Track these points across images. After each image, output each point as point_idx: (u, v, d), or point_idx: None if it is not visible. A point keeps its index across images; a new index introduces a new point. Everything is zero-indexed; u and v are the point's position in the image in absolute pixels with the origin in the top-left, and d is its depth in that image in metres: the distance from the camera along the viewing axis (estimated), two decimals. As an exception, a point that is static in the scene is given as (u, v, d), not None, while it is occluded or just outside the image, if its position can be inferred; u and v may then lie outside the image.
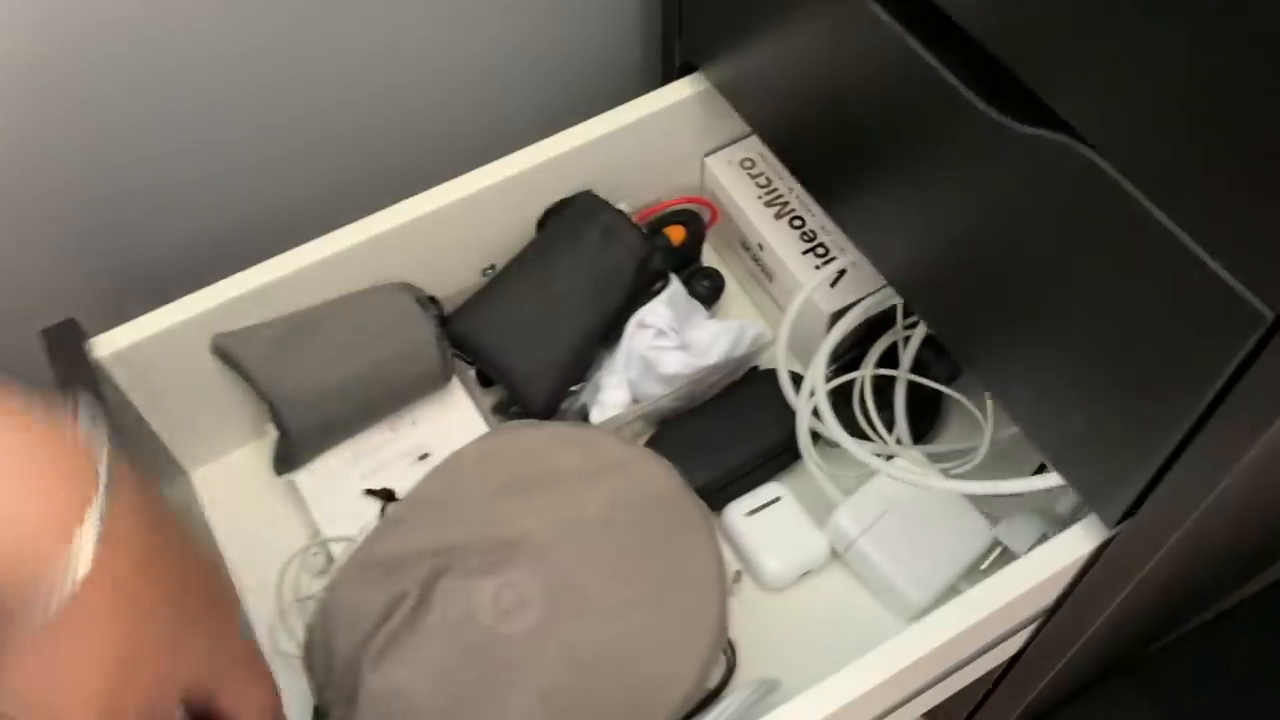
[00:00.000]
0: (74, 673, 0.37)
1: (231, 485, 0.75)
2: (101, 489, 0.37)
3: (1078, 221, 0.46)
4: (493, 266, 0.76)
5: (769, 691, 0.63)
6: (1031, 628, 0.66)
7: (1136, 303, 0.45)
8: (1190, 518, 0.49)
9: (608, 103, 0.74)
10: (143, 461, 0.70)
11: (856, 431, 0.72)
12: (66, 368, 0.63)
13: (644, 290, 0.73)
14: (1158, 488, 0.49)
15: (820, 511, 0.71)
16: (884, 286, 0.72)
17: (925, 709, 0.68)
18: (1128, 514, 0.53)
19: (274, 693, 0.47)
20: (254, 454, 0.76)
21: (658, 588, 0.62)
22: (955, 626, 0.56)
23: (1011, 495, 0.72)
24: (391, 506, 0.68)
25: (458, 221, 0.72)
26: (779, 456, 0.74)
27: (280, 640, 0.69)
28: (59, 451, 0.37)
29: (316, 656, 0.61)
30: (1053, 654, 0.67)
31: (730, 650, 0.67)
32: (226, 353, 0.68)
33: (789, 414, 0.73)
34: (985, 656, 0.65)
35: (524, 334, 0.71)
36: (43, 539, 0.36)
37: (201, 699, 0.42)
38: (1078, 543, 0.57)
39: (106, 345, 0.65)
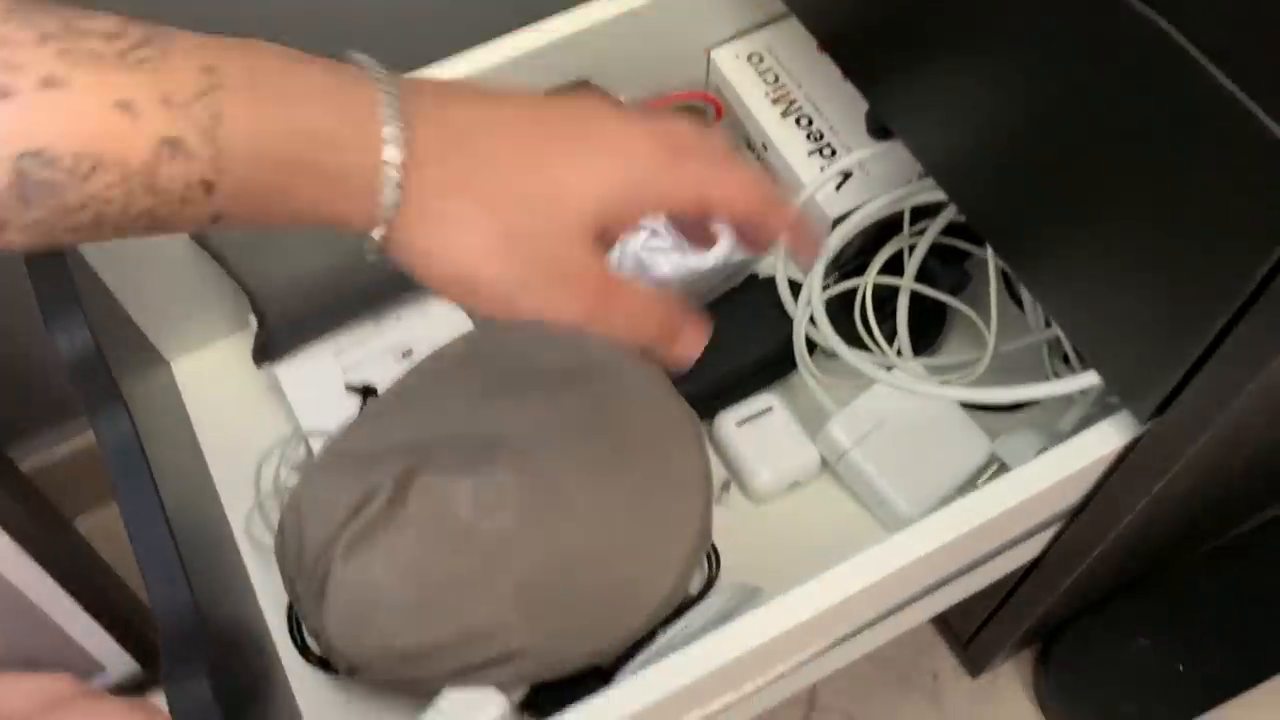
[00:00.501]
0: (453, 228, 0.38)
1: (212, 376, 0.74)
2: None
3: (1137, 92, 0.44)
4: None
5: (749, 597, 0.62)
6: (1051, 531, 0.64)
7: (1189, 182, 0.43)
8: (1221, 416, 0.48)
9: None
10: (120, 349, 0.68)
11: (856, 342, 0.69)
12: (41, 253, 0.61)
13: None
14: (1191, 383, 0.49)
15: (814, 424, 0.69)
16: (893, 192, 0.69)
17: (931, 613, 0.67)
18: (1158, 411, 0.52)
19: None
20: (236, 345, 0.74)
21: (639, 492, 0.60)
22: (943, 535, 0.54)
23: (1016, 404, 0.71)
24: (370, 401, 0.66)
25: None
26: (774, 366, 0.71)
27: (258, 532, 0.67)
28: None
29: (288, 548, 0.60)
30: (1071, 561, 0.66)
31: (714, 557, 0.65)
32: (204, 239, 0.66)
33: (786, 322, 0.70)
34: (998, 560, 0.63)
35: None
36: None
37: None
38: (1106, 439, 0.55)
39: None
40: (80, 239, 0.35)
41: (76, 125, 0.32)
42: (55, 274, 0.60)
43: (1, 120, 0.31)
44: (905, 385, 0.61)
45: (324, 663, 0.63)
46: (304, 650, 0.63)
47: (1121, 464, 0.57)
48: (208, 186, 0.34)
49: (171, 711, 0.48)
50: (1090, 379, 0.55)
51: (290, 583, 0.60)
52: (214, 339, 0.75)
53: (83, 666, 0.86)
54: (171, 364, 0.74)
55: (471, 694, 0.57)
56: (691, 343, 0.44)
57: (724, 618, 0.60)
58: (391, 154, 0.36)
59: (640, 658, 0.59)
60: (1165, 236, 0.46)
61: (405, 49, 0.72)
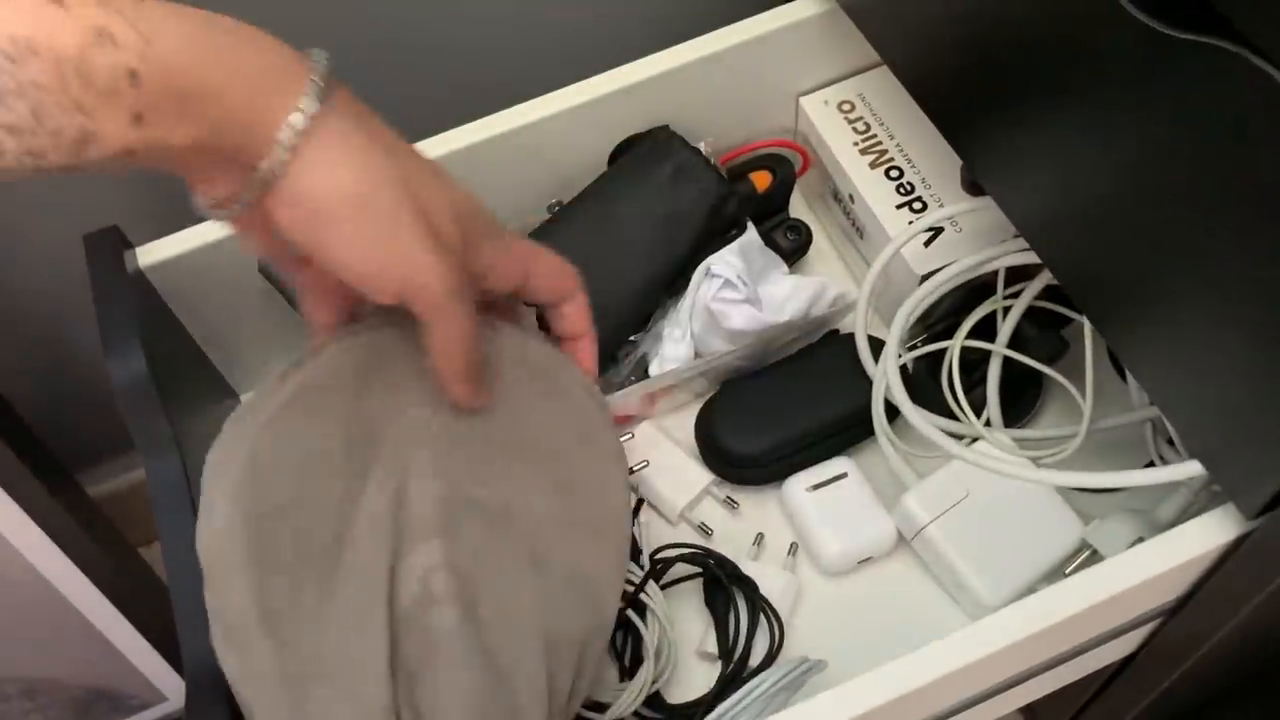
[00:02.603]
0: (364, 156, 0.41)
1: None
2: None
3: (1254, 157, 0.39)
4: (559, 202, 0.70)
5: (811, 671, 0.57)
6: (1147, 629, 0.59)
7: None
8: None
9: (696, 27, 0.68)
10: (190, 382, 0.68)
11: (943, 409, 0.65)
12: (105, 275, 0.61)
13: (716, 237, 0.67)
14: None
15: (891, 494, 0.65)
16: (985, 251, 0.64)
17: (1012, 707, 0.61)
18: (1268, 506, 0.47)
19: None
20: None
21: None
22: (1028, 625, 0.50)
23: (1113, 490, 0.65)
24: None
25: (521, 150, 0.67)
26: (850, 429, 0.67)
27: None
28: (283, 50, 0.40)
29: None
30: (1169, 662, 0.61)
31: (777, 624, 0.62)
32: (271, 271, 0.65)
33: (866, 384, 0.66)
34: (1086, 657, 0.58)
35: (582, 274, 0.65)
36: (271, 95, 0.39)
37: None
38: (1210, 533, 0.50)
39: (149, 255, 0.63)
40: (18, 148, 0.35)
41: (10, 14, 0.34)
42: (120, 300, 0.60)
43: None
44: (987, 464, 0.56)
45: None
46: None
47: (1226, 562, 0.52)
48: (133, 76, 0.36)
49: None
50: (1194, 468, 0.50)
51: None
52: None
53: (146, 696, 0.86)
54: (241, 398, 0.74)
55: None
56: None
57: (786, 691, 0.56)
58: (317, 76, 0.39)
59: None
60: (1280, 317, 0.41)
61: (483, 85, 0.71)
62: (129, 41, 0.35)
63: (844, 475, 0.65)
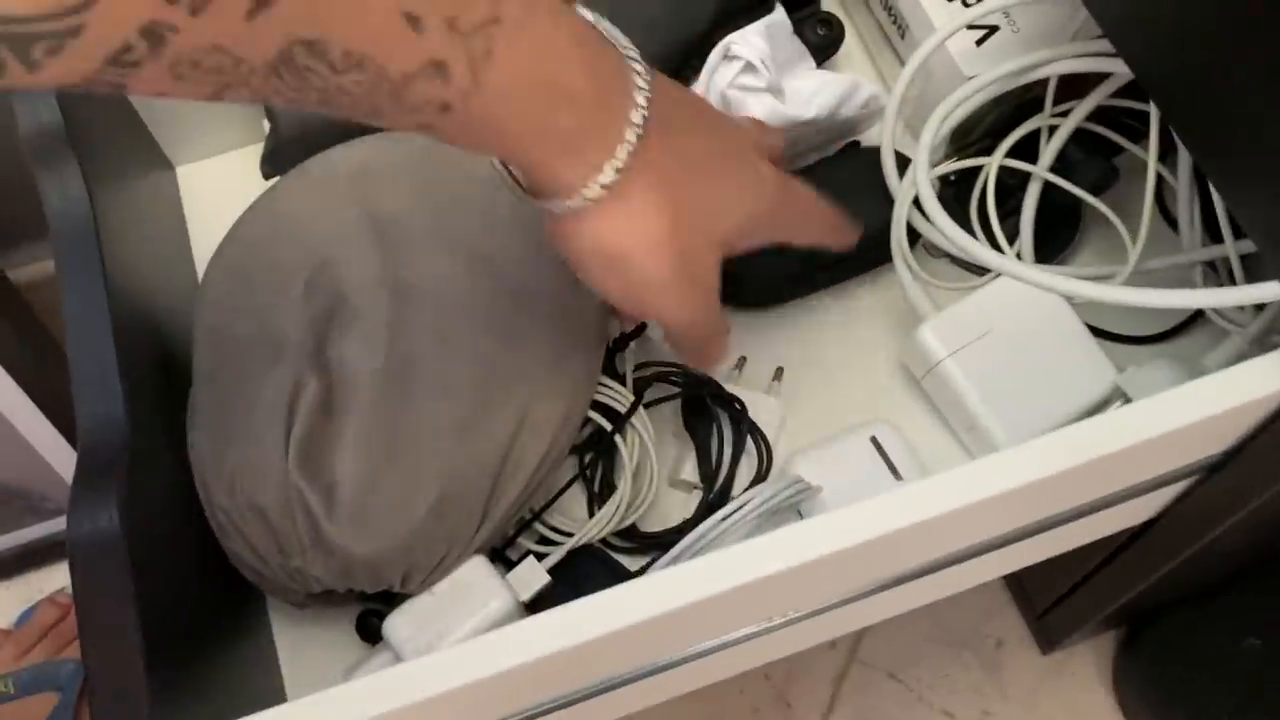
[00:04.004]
0: (642, 221, 0.40)
1: (217, 186, 0.65)
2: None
3: None
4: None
5: (806, 496, 0.51)
6: (1177, 489, 0.52)
7: None
8: None
9: None
10: (125, 150, 0.59)
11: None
12: None
13: (738, 14, 0.58)
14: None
15: (906, 328, 0.57)
16: (1038, 54, 0.56)
17: (1010, 568, 0.55)
18: None
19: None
20: (245, 158, 0.65)
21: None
22: (1049, 464, 0.42)
23: (1157, 335, 0.59)
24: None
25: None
26: (866, 254, 0.59)
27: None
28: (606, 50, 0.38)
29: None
30: (1194, 530, 0.55)
31: (766, 448, 0.55)
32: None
33: (888, 204, 0.58)
34: (1104, 515, 0.52)
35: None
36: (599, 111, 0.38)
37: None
38: (1270, 377, 0.43)
39: None
40: (285, 100, 0.32)
41: (360, 23, 0.30)
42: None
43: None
44: (1028, 277, 0.49)
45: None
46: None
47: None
48: (444, 108, 0.34)
49: (68, 546, 0.39)
50: (1274, 290, 0.43)
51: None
52: (223, 148, 0.66)
53: (61, 499, 0.79)
54: (176, 169, 0.65)
55: (473, 576, 0.49)
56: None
57: (774, 517, 0.50)
58: (631, 135, 0.38)
59: (673, 552, 0.49)
60: None
61: None
62: (459, 80, 0.33)
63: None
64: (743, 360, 0.59)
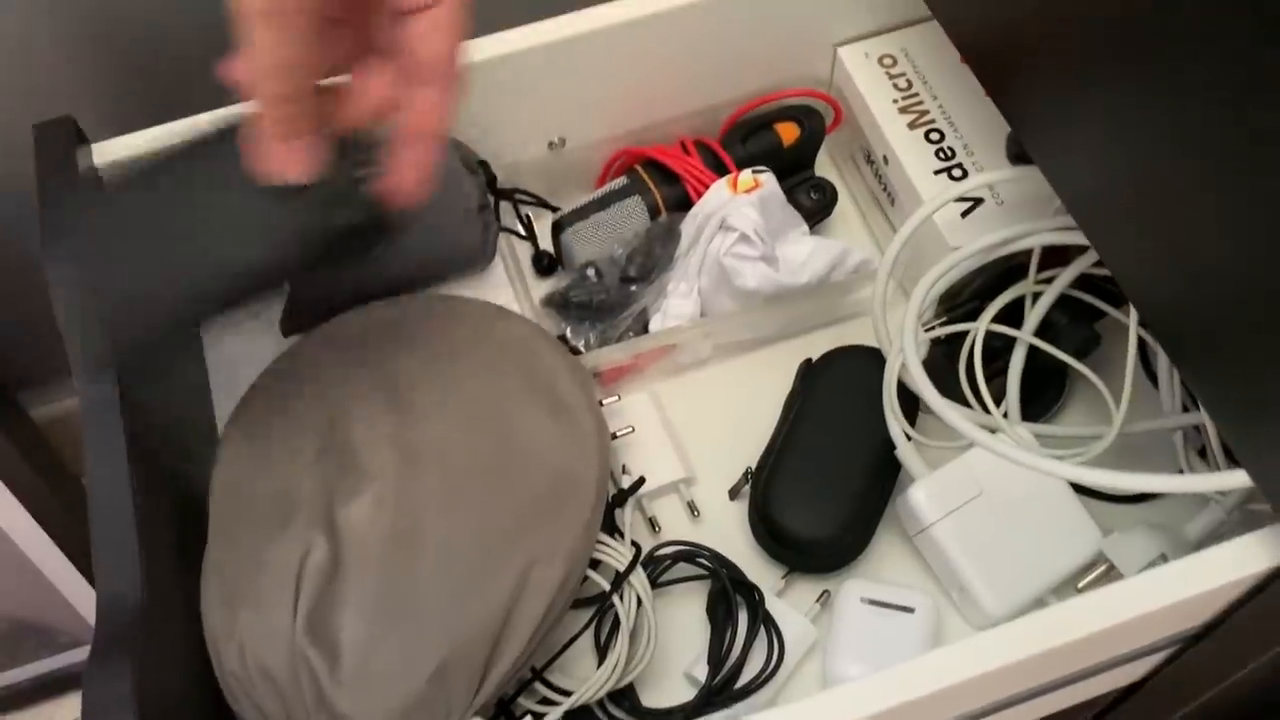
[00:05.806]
0: None
1: (237, 345, 0.67)
2: None
3: None
4: (562, 140, 0.65)
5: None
6: (1160, 656, 0.54)
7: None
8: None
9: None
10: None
11: (958, 399, 0.59)
12: (52, 172, 0.54)
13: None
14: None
15: (900, 487, 0.59)
16: (1022, 226, 0.59)
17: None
18: None
19: None
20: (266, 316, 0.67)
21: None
22: (1034, 644, 0.45)
23: (1139, 497, 0.61)
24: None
25: (525, 75, 0.61)
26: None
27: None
28: None
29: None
30: (1179, 694, 0.57)
31: (779, 642, 0.56)
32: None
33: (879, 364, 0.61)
34: (1091, 680, 0.53)
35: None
36: None
37: None
38: (1250, 557, 0.46)
39: (104, 154, 0.57)
40: None
41: None
42: (66, 202, 0.54)
43: None
44: (1014, 456, 0.51)
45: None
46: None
47: (1264, 590, 0.47)
48: None
49: (84, 711, 0.41)
50: (1239, 479, 0.45)
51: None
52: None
53: (77, 632, 0.80)
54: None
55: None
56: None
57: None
58: None
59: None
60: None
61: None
62: None
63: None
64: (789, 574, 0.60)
